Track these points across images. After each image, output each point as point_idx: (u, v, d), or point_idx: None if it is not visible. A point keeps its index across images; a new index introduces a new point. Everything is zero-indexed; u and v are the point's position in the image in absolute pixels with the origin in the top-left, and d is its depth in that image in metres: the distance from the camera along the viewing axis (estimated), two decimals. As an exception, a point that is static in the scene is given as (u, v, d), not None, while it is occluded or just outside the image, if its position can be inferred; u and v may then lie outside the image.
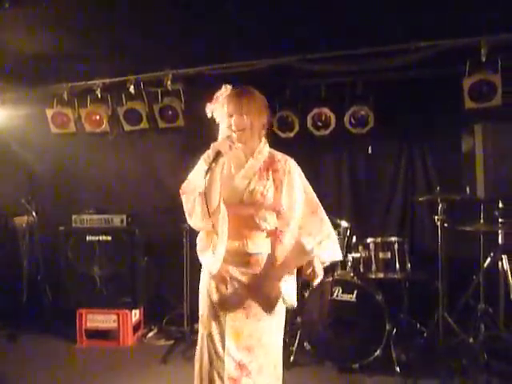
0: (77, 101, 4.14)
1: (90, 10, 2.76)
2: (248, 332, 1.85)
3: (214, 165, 1.77)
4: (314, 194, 2.01)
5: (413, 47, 3.27)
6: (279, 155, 1.95)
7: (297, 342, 3.25)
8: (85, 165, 4.43)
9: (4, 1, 2.40)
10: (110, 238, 3.89)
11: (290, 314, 3.37)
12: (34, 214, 4.23)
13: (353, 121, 3.79)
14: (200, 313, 1.95)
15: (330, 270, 3.36)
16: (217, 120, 1.90)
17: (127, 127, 4.12)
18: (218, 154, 1.78)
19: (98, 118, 4.13)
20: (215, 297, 1.90)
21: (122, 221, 3.93)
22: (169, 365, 3.33)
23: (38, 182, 4.56)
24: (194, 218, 1.86)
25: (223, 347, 1.84)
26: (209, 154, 1.87)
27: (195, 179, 1.90)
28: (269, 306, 1.89)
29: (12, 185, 4.33)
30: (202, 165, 1.92)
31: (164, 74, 3.82)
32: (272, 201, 1.87)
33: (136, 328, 3.96)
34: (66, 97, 4.09)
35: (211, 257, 1.84)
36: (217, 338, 1.86)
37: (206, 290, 1.93)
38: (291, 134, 3.88)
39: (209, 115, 1.90)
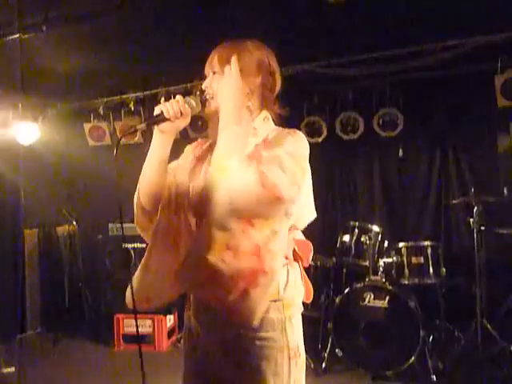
0: (112, 114, 4.33)
1: (121, 28, 2.89)
2: None
3: (142, 126, 1.22)
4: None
5: (441, 46, 3.21)
6: (276, 132, 1.26)
7: (328, 348, 3.22)
8: (120, 175, 4.60)
9: (41, 25, 2.57)
10: (144, 245, 4.01)
11: (322, 319, 3.37)
12: (74, 223, 4.45)
13: (382, 124, 3.75)
14: None
15: (361, 275, 3.33)
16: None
17: (159, 138, 4.25)
18: (158, 117, 1.22)
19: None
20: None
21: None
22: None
23: (78, 192, 4.78)
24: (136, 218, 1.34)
25: None
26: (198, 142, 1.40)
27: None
28: None
29: (54, 196, 4.57)
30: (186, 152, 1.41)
31: (193, 85, 3.93)
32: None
33: (171, 333, 4.05)
34: (102, 111, 4.30)
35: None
36: None
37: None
38: (319, 139, 3.88)
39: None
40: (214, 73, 1.26)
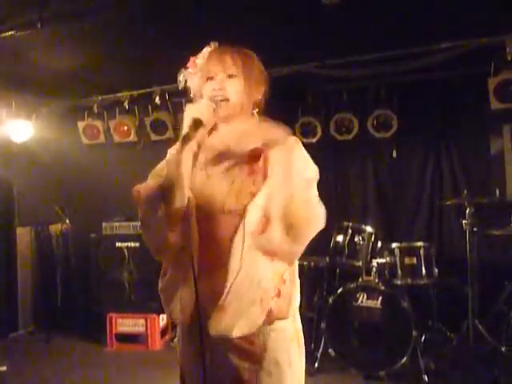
0: (106, 113, 4.32)
1: (116, 27, 2.88)
2: None
3: (192, 136, 1.14)
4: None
5: (436, 48, 3.23)
6: (268, 131, 1.28)
7: (321, 348, 3.22)
8: (114, 174, 4.59)
9: (36, 22, 2.56)
10: (138, 244, 4.01)
11: (315, 319, 3.38)
12: (67, 221, 4.42)
13: (376, 125, 3.76)
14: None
15: (354, 275, 3.35)
16: (191, 92, 1.30)
17: (154, 137, 4.25)
18: (197, 125, 1.13)
19: (125, 128, 4.28)
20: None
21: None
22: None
23: (71, 191, 4.76)
24: (149, 229, 1.26)
25: None
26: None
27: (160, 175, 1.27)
28: None
29: (47, 194, 4.54)
30: (169, 156, 1.33)
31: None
32: None
33: (163, 332, 4.04)
34: (96, 109, 4.28)
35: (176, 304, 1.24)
36: None
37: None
38: (314, 140, 3.89)
39: (180, 85, 1.29)
40: (230, 76, 1.23)
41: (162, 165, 1.33)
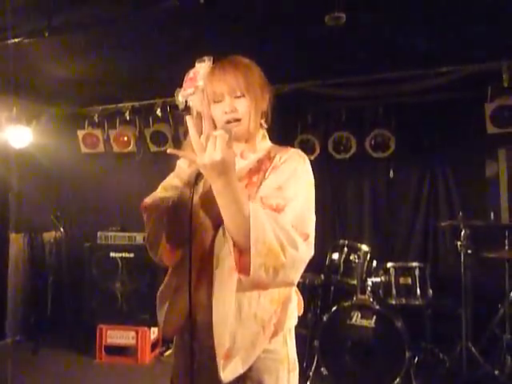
0: (106, 123, 4.33)
1: (119, 39, 2.92)
2: None
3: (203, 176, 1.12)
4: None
5: (434, 72, 3.30)
6: (279, 149, 1.28)
7: (314, 366, 3.19)
8: (112, 184, 4.58)
9: (44, 30, 2.59)
10: (132, 255, 3.98)
11: (308, 337, 3.35)
12: (61, 229, 4.39)
13: (374, 144, 3.81)
14: None
15: (349, 294, 3.34)
16: (194, 111, 1.24)
17: (153, 148, 4.26)
18: None
19: (125, 139, 4.30)
20: None
21: (144, 238, 4.03)
22: (184, 384, 3.32)
23: (67, 199, 4.74)
24: (161, 248, 1.21)
25: None
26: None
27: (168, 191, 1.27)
28: None
29: (42, 201, 4.52)
30: (179, 169, 1.34)
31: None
32: None
33: (154, 346, 3.98)
34: (97, 119, 4.30)
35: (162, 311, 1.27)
36: None
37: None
38: (312, 157, 3.93)
39: (181, 105, 1.24)
40: (237, 97, 1.21)
41: (170, 178, 1.33)
